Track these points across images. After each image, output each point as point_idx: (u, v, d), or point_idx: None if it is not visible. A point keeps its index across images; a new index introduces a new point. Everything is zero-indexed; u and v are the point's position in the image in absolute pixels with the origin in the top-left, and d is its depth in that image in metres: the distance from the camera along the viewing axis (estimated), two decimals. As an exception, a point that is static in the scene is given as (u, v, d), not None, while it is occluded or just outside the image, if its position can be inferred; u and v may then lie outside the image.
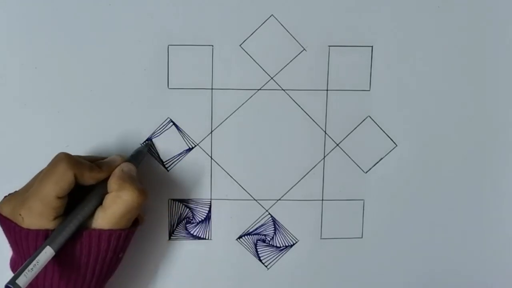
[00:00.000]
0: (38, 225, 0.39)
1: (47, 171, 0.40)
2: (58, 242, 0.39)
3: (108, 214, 0.40)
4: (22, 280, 0.36)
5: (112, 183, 0.41)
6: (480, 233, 0.50)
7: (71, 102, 0.46)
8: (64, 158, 0.40)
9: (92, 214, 0.41)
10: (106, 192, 0.41)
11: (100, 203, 0.41)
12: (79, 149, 0.46)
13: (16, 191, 0.42)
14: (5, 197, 0.42)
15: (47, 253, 0.38)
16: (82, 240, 0.40)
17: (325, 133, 0.48)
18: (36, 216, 0.39)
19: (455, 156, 0.49)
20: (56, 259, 0.39)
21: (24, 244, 0.40)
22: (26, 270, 0.37)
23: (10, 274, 0.38)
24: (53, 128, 0.46)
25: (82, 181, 0.40)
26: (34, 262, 0.37)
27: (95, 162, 0.42)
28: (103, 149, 0.47)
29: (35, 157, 0.46)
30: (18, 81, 0.46)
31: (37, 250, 0.38)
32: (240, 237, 0.49)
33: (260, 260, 0.50)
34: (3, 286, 0.37)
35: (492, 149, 0.49)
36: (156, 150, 0.47)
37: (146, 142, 0.47)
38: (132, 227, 0.43)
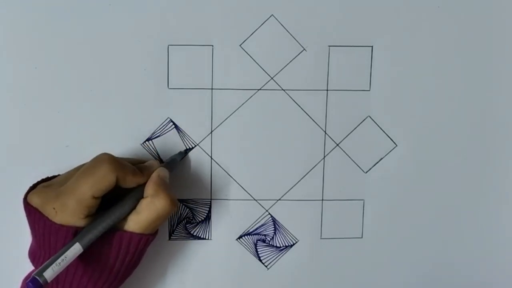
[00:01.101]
0: (70, 221, 0.39)
1: (87, 170, 0.40)
2: (87, 240, 0.39)
3: (141, 219, 0.41)
4: (49, 273, 0.36)
5: (149, 189, 0.41)
6: (480, 233, 0.50)
7: (71, 102, 0.46)
8: (107, 160, 0.39)
9: (124, 217, 0.41)
10: (142, 197, 0.41)
11: (134, 207, 0.41)
12: (79, 149, 0.46)
13: (47, 182, 0.42)
14: (34, 186, 0.42)
15: (76, 249, 0.38)
16: (113, 241, 0.40)
17: (325, 133, 0.48)
18: (69, 213, 0.39)
19: (455, 156, 0.49)
20: (82, 256, 0.39)
21: (52, 238, 0.40)
22: (54, 264, 0.37)
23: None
24: (53, 128, 0.46)
25: (123, 184, 0.40)
26: (62, 257, 0.37)
27: (135, 166, 0.42)
28: (103, 149, 0.46)
29: (35, 157, 0.46)
30: (18, 81, 0.46)
31: (66, 245, 0.38)
32: (240, 237, 0.49)
33: (260, 260, 0.50)
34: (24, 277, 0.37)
35: (492, 149, 0.49)
36: (156, 150, 0.47)
37: (180, 151, 0.47)
38: (155, 232, 0.43)
